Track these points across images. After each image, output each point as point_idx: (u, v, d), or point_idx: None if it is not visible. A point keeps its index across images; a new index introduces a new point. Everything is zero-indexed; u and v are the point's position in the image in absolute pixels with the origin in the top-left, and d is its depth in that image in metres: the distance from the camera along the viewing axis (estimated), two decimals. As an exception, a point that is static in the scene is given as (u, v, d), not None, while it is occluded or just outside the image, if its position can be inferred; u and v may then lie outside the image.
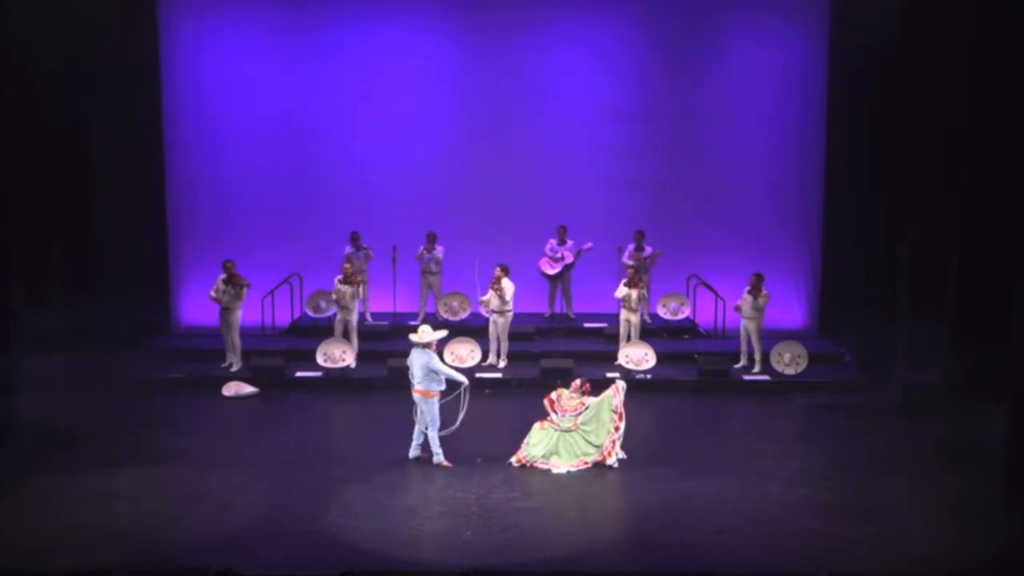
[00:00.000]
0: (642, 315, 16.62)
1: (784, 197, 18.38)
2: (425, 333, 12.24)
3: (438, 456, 12.17)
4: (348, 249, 17.31)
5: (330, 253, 17.19)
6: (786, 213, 18.39)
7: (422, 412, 12.22)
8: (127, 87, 16.93)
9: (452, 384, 12.35)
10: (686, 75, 18.22)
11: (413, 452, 12.36)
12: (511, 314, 16.05)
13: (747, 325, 15.97)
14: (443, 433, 12.26)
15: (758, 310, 15.84)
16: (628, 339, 16.10)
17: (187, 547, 10.17)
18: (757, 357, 15.92)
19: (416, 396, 12.24)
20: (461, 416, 12.35)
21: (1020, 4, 12.57)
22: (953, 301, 13.92)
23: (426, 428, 12.23)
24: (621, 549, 10.14)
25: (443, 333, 12.72)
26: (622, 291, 16.02)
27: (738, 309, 16.01)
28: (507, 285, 15.82)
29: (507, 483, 11.57)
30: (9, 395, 13.06)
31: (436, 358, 12.26)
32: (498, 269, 15.89)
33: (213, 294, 15.82)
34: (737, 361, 16.13)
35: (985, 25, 13.28)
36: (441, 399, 12.25)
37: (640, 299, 16.13)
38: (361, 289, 16.35)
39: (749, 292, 15.85)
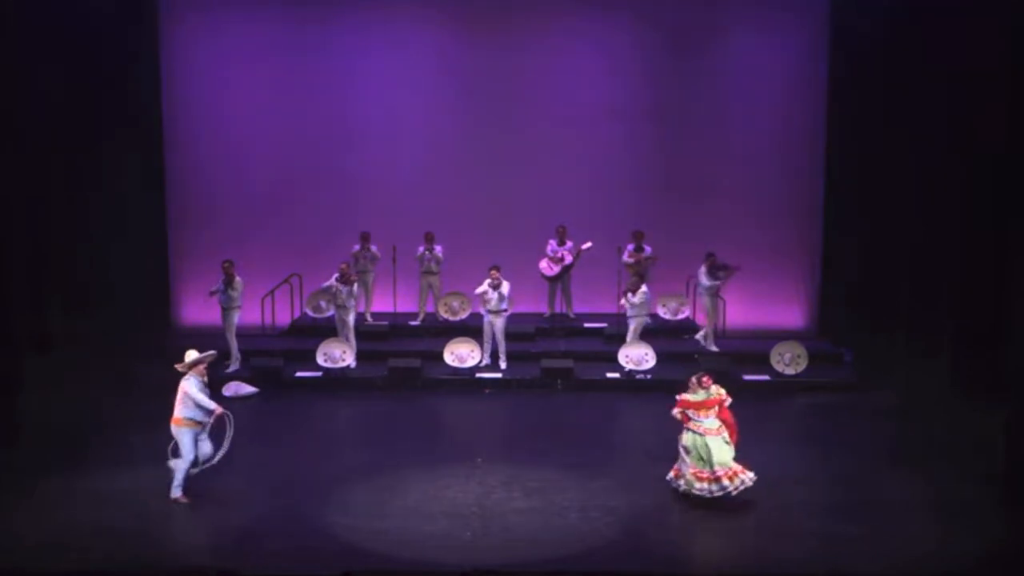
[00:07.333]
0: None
1: (784, 197, 18.37)
2: (188, 355, 11.19)
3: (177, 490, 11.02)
4: (356, 248, 17.31)
5: (331, 253, 17.16)
6: (786, 213, 18.38)
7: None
8: (127, 86, 16.96)
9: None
10: (686, 75, 18.22)
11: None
12: (506, 313, 16.05)
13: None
14: (195, 470, 11.07)
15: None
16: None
17: (187, 547, 10.18)
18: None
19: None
20: (223, 451, 11.08)
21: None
22: (953, 301, 13.94)
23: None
24: (621, 549, 10.14)
25: (210, 354, 11.42)
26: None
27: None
28: (505, 285, 15.83)
29: (507, 483, 11.56)
30: (10, 395, 13.07)
31: (195, 384, 11.02)
32: (494, 270, 15.85)
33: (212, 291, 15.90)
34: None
35: (984, 24, 13.31)
36: (200, 431, 11.04)
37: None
38: (356, 288, 16.30)
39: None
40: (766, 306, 18.11)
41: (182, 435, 10.98)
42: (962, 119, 13.78)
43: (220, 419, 11.00)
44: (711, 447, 10.79)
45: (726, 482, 10.74)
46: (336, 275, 16.03)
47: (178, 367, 11.13)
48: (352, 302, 16.07)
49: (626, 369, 15.71)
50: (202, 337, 17.22)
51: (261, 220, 18.36)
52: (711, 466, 10.78)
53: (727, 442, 10.91)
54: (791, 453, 12.86)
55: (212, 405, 11.01)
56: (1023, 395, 11.34)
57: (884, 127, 16.12)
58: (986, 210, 13.23)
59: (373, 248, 17.36)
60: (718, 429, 10.92)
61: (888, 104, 15.98)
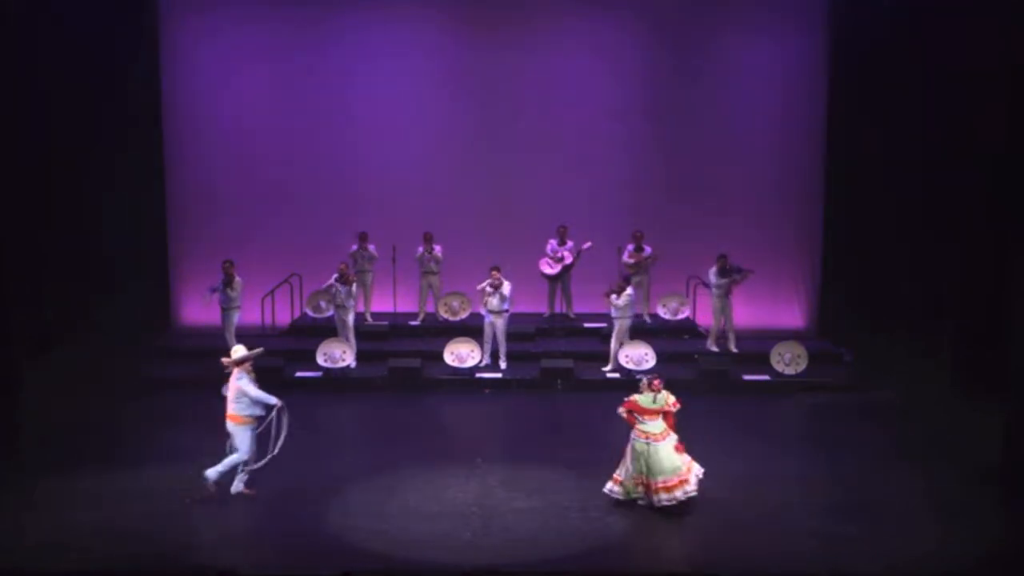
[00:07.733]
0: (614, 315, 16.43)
1: (784, 197, 18.37)
2: (237, 351, 11.22)
3: (238, 485, 11.18)
4: (353, 247, 17.30)
5: (330, 253, 17.15)
6: (786, 213, 18.38)
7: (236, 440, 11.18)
8: (127, 86, 16.95)
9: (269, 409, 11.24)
10: (686, 75, 18.22)
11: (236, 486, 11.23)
12: (507, 314, 16.04)
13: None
14: (255, 466, 11.20)
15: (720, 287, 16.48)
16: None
17: (187, 547, 10.18)
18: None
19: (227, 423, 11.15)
20: (280, 443, 11.18)
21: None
22: (953, 301, 13.94)
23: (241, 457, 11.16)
24: (621, 549, 10.14)
25: (258, 351, 11.50)
26: None
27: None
28: (506, 285, 15.85)
29: (507, 483, 11.57)
30: (10, 395, 13.07)
31: (248, 381, 11.13)
32: (495, 271, 15.86)
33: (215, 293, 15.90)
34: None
35: (984, 24, 13.31)
36: (257, 426, 11.19)
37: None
38: (355, 288, 16.29)
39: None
40: (766, 306, 18.11)
41: (240, 432, 11.11)
42: (962, 119, 13.78)
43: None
44: (661, 454, 10.69)
45: (661, 495, 10.65)
46: (335, 275, 16.03)
47: (224, 361, 11.24)
48: (351, 302, 16.07)
49: (613, 368, 15.89)
50: (202, 337, 17.35)
51: (261, 220, 18.35)
52: (654, 476, 10.67)
53: (675, 447, 10.81)
54: (791, 453, 12.87)
55: (273, 400, 11.18)
56: (1023, 395, 11.35)
57: (884, 127, 16.11)
58: (986, 210, 13.22)
59: (371, 248, 17.36)
60: (663, 432, 10.82)
61: (888, 104, 15.98)
